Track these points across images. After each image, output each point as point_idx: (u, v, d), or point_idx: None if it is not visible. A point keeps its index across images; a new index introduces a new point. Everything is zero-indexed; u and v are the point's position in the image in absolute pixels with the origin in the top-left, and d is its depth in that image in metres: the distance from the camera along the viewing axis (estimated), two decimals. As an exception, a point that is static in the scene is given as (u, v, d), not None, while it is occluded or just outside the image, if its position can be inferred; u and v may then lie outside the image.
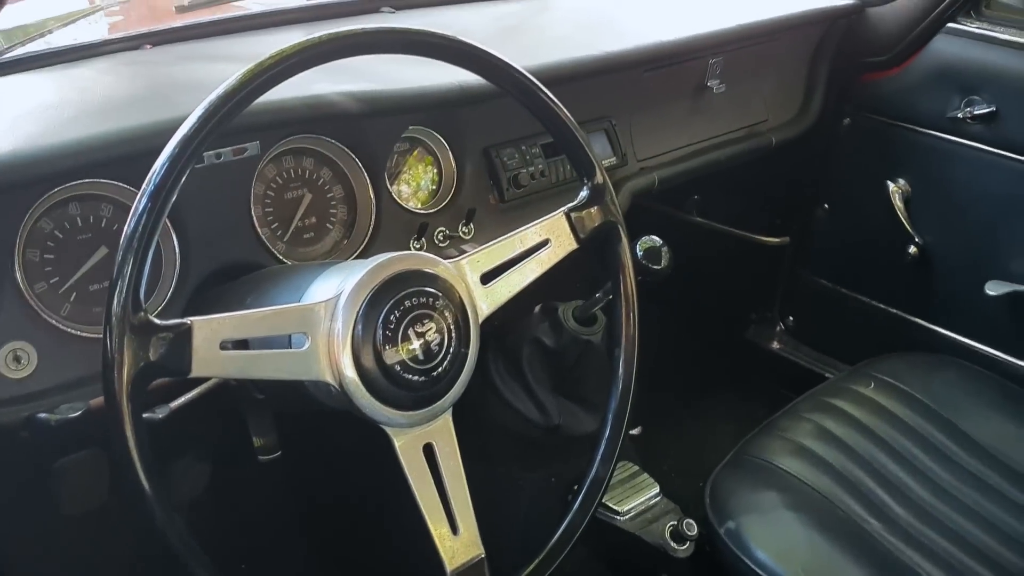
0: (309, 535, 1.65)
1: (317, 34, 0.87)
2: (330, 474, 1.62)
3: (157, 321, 0.78)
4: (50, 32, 1.32)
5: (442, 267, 0.92)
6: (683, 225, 2.02)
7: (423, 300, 0.89)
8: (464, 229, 1.35)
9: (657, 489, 1.48)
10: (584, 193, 1.05)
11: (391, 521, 1.40)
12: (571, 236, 1.03)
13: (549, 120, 1.03)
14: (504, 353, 1.43)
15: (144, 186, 0.80)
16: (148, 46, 1.33)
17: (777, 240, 2.14)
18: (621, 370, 1.08)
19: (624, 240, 1.07)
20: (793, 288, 2.21)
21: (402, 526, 1.21)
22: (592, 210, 1.04)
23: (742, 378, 2.24)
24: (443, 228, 1.33)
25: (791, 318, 2.24)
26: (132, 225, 0.79)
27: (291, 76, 0.85)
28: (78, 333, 1.06)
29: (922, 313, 1.95)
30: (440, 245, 1.32)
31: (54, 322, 1.04)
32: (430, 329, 0.89)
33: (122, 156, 1.02)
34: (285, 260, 1.20)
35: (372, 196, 1.26)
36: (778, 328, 2.26)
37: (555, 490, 1.47)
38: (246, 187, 1.15)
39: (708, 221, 2.05)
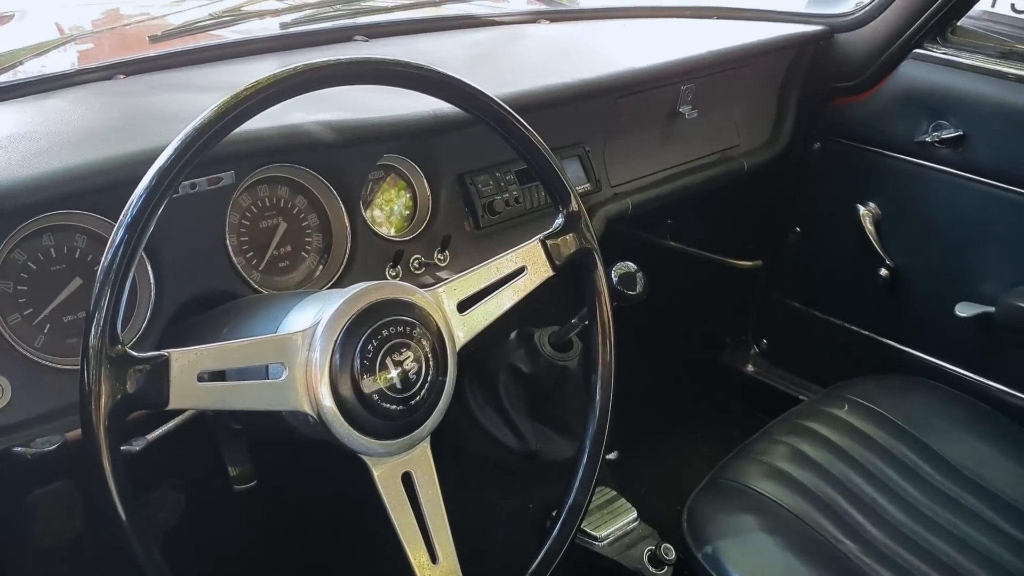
0: (285, 565, 1.63)
1: (293, 65, 0.88)
2: (306, 503, 1.60)
3: (134, 353, 0.78)
4: (21, 63, 1.32)
5: (419, 296, 0.93)
6: (657, 249, 2.03)
7: (400, 329, 0.89)
8: (439, 256, 1.35)
9: (635, 514, 1.48)
10: (559, 220, 1.06)
11: (368, 551, 1.39)
12: (547, 263, 1.04)
13: (523, 148, 1.03)
14: (480, 380, 1.44)
15: (121, 218, 0.79)
16: (121, 76, 1.32)
17: (750, 264, 2.15)
18: (598, 396, 1.08)
19: (600, 267, 1.08)
20: (766, 311, 2.22)
21: (379, 556, 1.20)
22: (567, 237, 1.05)
23: (717, 401, 2.25)
24: (418, 255, 1.33)
25: (765, 341, 2.25)
26: (109, 257, 0.78)
27: (268, 107, 0.86)
28: (53, 365, 1.05)
29: (894, 335, 1.97)
30: (416, 272, 1.32)
31: (28, 354, 1.03)
32: (408, 358, 0.89)
33: (97, 187, 1.01)
34: (260, 289, 1.19)
35: (347, 224, 1.26)
36: (752, 351, 2.27)
37: (533, 516, 1.47)
38: (221, 216, 1.15)
39: (681, 245, 2.06)
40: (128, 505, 0.77)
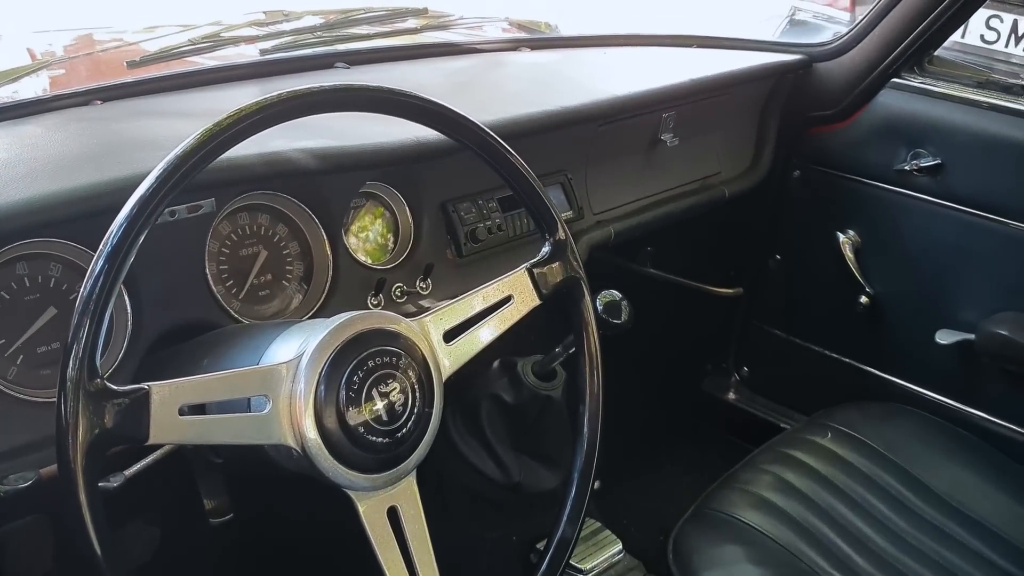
0: None
1: (277, 92, 0.86)
2: (283, 536, 1.57)
3: (113, 387, 0.75)
4: (-7, 89, 1.29)
5: (404, 325, 0.91)
6: (637, 277, 2.02)
7: (387, 360, 0.87)
8: (422, 285, 1.33)
9: (620, 546, 1.47)
10: (546, 249, 1.04)
11: None
12: (533, 292, 1.02)
13: (510, 175, 1.02)
14: (462, 410, 1.41)
15: (101, 247, 0.77)
16: (98, 101, 1.30)
17: (731, 291, 2.15)
18: (586, 428, 1.06)
19: (587, 296, 1.07)
20: (747, 339, 2.22)
21: None
22: (554, 266, 1.04)
23: (698, 429, 2.24)
24: (400, 284, 1.31)
25: (746, 368, 2.25)
26: (88, 288, 0.76)
27: (252, 134, 0.84)
28: (26, 397, 1.02)
29: (875, 362, 1.97)
30: (398, 301, 1.31)
31: (0, 386, 1.00)
32: (394, 389, 0.87)
33: (74, 215, 0.99)
34: (240, 319, 1.17)
35: (328, 252, 1.25)
36: (733, 379, 2.27)
37: (517, 548, 1.45)
38: (200, 244, 1.13)
39: (662, 273, 2.05)
40: (105, 544, 0.75)
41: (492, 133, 0.99)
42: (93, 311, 0.75)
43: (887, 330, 1.93)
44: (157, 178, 0.80)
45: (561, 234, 1.04)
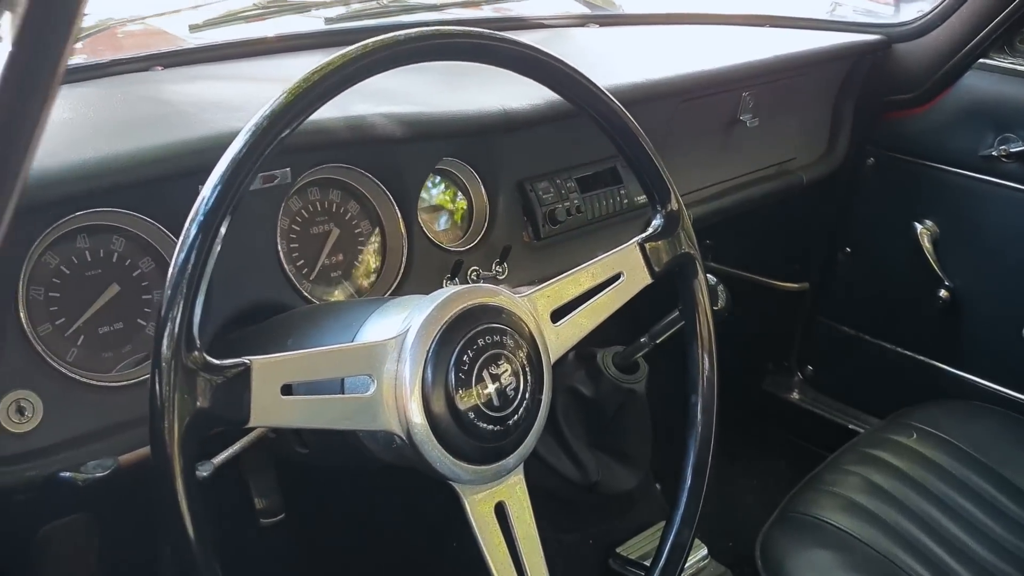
0: None
1: (400, 32, 0.78)
2: (339, 535, 1.50)
3: (213, 360, 0.67)
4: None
5: (514, 301, 0.82)
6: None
7: (497, 339, 0.78)
8: (498, 268, 1.26)
9: (705, 551, 1.40)
10: (658, 221, 0.96)
11: None
12: (645, 269, 0.93)
13: (623, 138, 0.93)
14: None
15: (192, 215, 0.69)
16: (159, 67, 1.24)
17: (796, 286, 2.08)
18: (700, 418, 0.98)
19: (701, 274, 0.98)
20: (812, 336, 2.14)
21: None
22: (667, 240, 0.95)
23: (760, 431, 2.17)
24: (476, 267, 1.24)
25: (810, 367, 2.17)
26: (182, 257, 0.68)
27: (357, 81, 0.76)
28: (87, 380, 0.94)
29: (953, 360, 1.89)
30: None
31: (61, 368, 0.92)
32: (505, 371, 0.78)
33: (141, 180, 0.91)
34: (312, 299, 1.09)
35: (403, 231, 1.17)
36: (796, 378, 2.19)
37: (594, 553, 1.37)
38: (272, 220, 1.05)
39: (722, 266, 1.98)
40: (203, 537, 0.66)
41: (606, 91, 0.91)
42: (190, 280, 0.67)
43: (967, 326, 1.85)
44: (252, 134, 0.72)
45: (674, 205, 0.96)
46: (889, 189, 1.89)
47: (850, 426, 2.03)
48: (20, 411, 0.88)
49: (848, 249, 2.01)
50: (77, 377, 0.94)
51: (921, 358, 1.93)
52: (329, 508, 1.42)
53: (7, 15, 0.46)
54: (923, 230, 1.84)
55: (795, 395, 2.18)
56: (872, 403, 2.00)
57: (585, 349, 1.32)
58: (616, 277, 0.92)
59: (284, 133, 0.73)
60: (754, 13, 1.88)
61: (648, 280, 0.94)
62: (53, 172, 0.87)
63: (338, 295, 1.14)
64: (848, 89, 1.85)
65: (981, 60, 1.73)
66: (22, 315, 0.90)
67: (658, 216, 0.96)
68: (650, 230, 0.95)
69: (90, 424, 0.92)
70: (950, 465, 1.48)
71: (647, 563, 1.31)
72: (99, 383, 0.95)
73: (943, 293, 1.83)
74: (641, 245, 0.93)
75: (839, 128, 1.86)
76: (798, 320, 2.14)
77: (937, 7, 1.75)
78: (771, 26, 1.86)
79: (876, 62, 1.82)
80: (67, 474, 0.85)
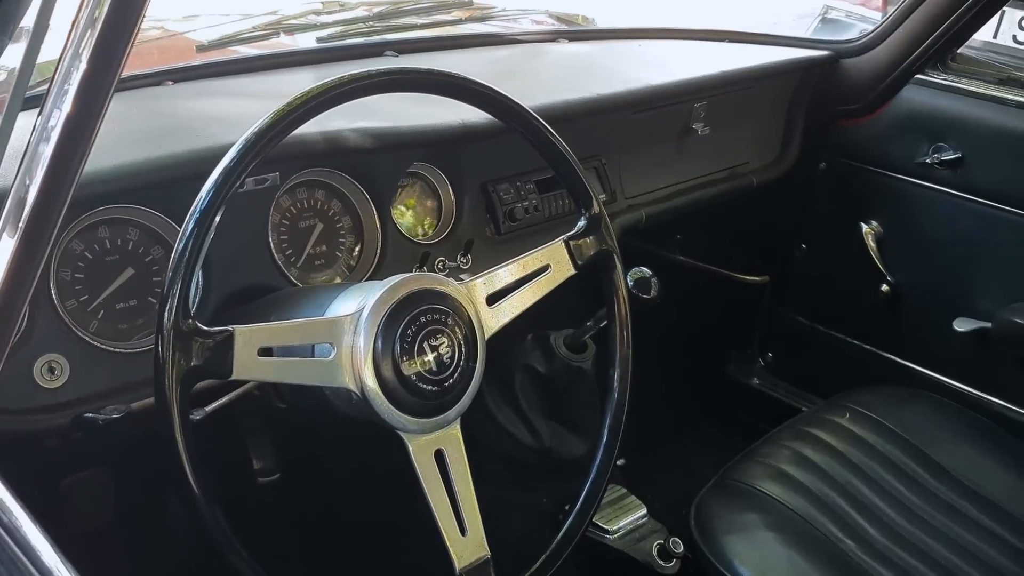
0: (312, 553, 1.69)
1: (338, 75, 0.96)
2: (330, 493, 1.66)
3: (203, 327, 0.85)
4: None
5: (452, 287, 1.00)
6: (666, 263, 2.08)
7: (436, 317, 0.96)
8: (463, 259, 1.42)
9: (644, 510, 1.54)
10: (582, 223, 1.13)
11: (392, 535, 1.45)
12: (569, 263, 1.11)
13: (549, 154, 1.11)
14: (498, 379, 1.49)
15: (191, 211, 0.88)
16: (170, 82, 1.41)
17: (757, 279, 2.20)
18: (616, 386, 1.15)
19: (619, 267, 1.15)
20: (772, 325, 2.27)
21: (403, 539, 1.25)
22: (589, 239, 1.13)
23: (721, 412, 2.30)
24: (443, 258, 1.40)
25: (770, 354, 2.30)
26: (182, 245, 0.86)
27: (322, 112, 0.94)
28: (106, 347, 1.13)
29: (894, 349, 2.02)
30: (440, 274, 1.39)
31: (84, 337, 1.11)
32: (443, 343, 0.96)
33: (155, 183, 1.10)
34: (298, 284, 1.27)
35: (378, 226, 1.34)
36: (758, 364, 2.32)
37: (547, 510, 1.52)
38: (264, 215, 1.23)
39: (690, 260, 2.11)
40: (195, 464, 0.85)
41: (534, 114, 1.08)
42: (187, 263, 0.85)
43: (907, 318, 1.98)
44: (240, 150, 0.90)
45: (596, 209, 1.13)
46: (839, 192, 2.03)
47: (804, 408, 2.12)
48: (51, 370, 1.07)
49: (804, 246, 2.14)
50: (98, 344, 1.12)
51: (867, 347, 2.06)
52: (322, 469, 1.56)
53: (88, 32, 0.63)
54: (868, 230, 1.97)
55: (756, 380, 2.31)
56: (823, 388, 2.05)
57: (541, 332, 1.47)
58: (544, 268, 1.10)
59: (266, 150, 0.92)
60: (714, 29, 2.01)
61: (572, 271, 1.11)
62: (82, 175, 1.06)
63: (320, 281, 1.32)
64: (799, 99, 1.98)
65: (917, 76, 1.87)
66: (53, 292, 1.09)
67: (582, 218, 1.13)
68: (575, 230, 1.13)
69: (108, 382, 1.11)
70: (876, 442, 1.57)
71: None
72: (116, 349, 1.13)
73: (884, 288, 1.96)
74: (566, 242, 1.11)
75: (790, 135, 2.00)
76: (759, 311, 2.26)
77: (878, 27, 1.89)
78: (730, 41, 1.99)
79: (825, 75, 1.96)
80: (90, 415, 1.03)
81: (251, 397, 1.07)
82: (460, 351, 0.98)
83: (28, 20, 0.78)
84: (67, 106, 0.66)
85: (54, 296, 1.09)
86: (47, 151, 0.67)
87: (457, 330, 0.98)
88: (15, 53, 0.77)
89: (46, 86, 0.69)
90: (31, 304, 1.05)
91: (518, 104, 1.08)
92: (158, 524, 1.48)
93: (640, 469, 2.04)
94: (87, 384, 1.09)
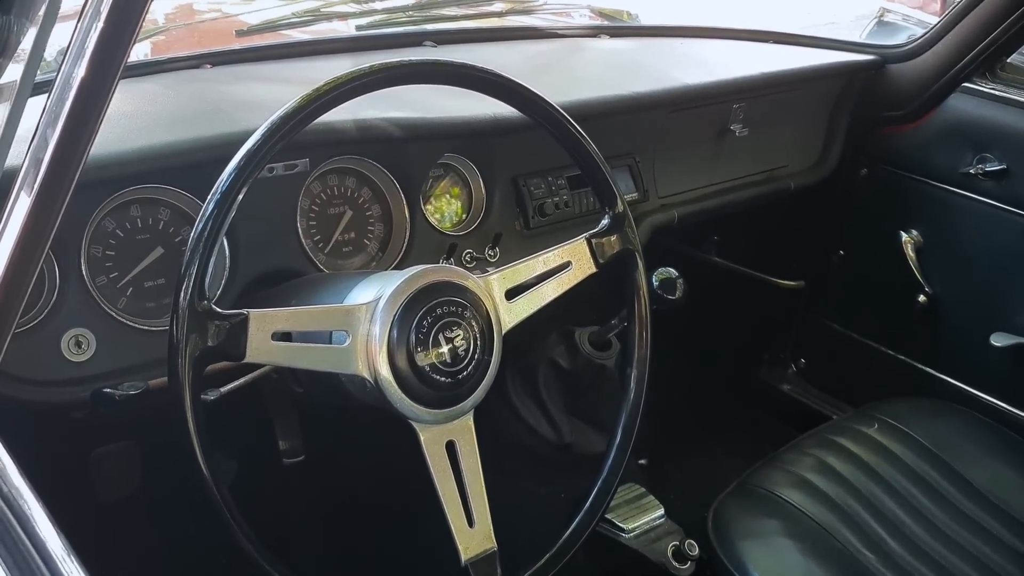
0: (330, 533, 1.71)
1: (369, 64, 0.96)
2: (351, 476, 1.68)
3: (218, 309, 0.87)
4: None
5: (471, 280, 1.01)
6: (701, 264, 2.08)
7: (453, 309, 0.97)
8: (490, 252, 1.42)
9: (662, 511, 1.53)
10: (605, 221, 1.13)
11: (407, 521, 1.46)
12: (591, 260, 1.11)
13: (576, 151, 1.11)
14: (521, 373, 1.51)
15: (211, 193, 0.89)
16: (208, 65, 1.43)
17: (793, 284, 2.18)
18: (633, 386, 1.15)
19: (640, 266, 1.15)
20: (806, 331, 2.25)
21: (417, 526, 1.27)
22: (612, 237, 1.12)
23: (751, 416, 2.29)
24: (471, 250, 1.41)
25: (803, 360, 2.28)
26: (200, 227, 0.88)
27: (346, 101, 0.95)
28: (133, 324, 1.15)
29: (929, 360, 2.00)
30: (467, 266, 1.40)
31: (112, 313, 1.14)
32: (458, 336, 0.97)
33: (185, 164, 1.12)
34: (325, 270, 1.28)
35: (407, 216, 1.35)
36: (790, 370, 2.30)
37: (564, 505, 1.53)
38: (294, 200, 1.25)
39: (725, 262, 2.10)
40: (204, 440, 0.86)
41: (561, 111, 1.08)
42: (204, 245, 0.87)
43: (943, 330, 1.95)
44: (262, 135, 0.91)
45: (620, 207, 1.13)
46: (879, 199, 2.00)
47: (834, 416, 2.10)
48: (78, 344, 1.10)
49: (841, 252, 2.12)
50: (125, 321, 1.15)
51: (901, 357, 2.04)
52: (341, 452, 1.58)
53: None
54: (908, 239, 1.94)
55: (787, 386, 2.29)
56: (855, 396, 2.07)
57: (566, 328, 1.48)
58: (565, 265, 1.10)
59: (290, 135, 0.93)
60: (759, 29, 1.99)
61: (593, 269, 1.11)
62: (115, 156, 1.08)
63: (347, 267, 1.33)
64: (843, 103, 1.96)
65: (965, 84, 1.83)
66: (83, 268, 1.11)
67: (606, 216, 1.13)
68: (598, 228, 1.13)
69: (132, 359, 1.13)
70: (903, 454, 1.55)
71: (609, 516, 1.48)
72: (142, 327, 1.16)
73: (922, 298, 1.94)
74: (588, 240, 1.11)
75: (832, 139, 1.97)
76: (794, 316, 2.24)
77: (927, 32, 1.87)
78: (775, 42, 1.98)
79: (870, 80, 1.93)
80: (108, 390, 1.05)
81: (269, 380, 1.09)
82: (476, 344, 0.98)
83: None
84: (81, 70, 0.67)
85: (84, 272, 1.12)
86: (63, 110, 0.68)
87: (474, 323, 0.98)
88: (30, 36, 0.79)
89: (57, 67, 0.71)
90: (61, 278, 1.08)
91: (546, 100, 1.08)
92: (185, 497, 1.50)
93: (662, 469, 2.04)
94: (112, 359, 1.11)
